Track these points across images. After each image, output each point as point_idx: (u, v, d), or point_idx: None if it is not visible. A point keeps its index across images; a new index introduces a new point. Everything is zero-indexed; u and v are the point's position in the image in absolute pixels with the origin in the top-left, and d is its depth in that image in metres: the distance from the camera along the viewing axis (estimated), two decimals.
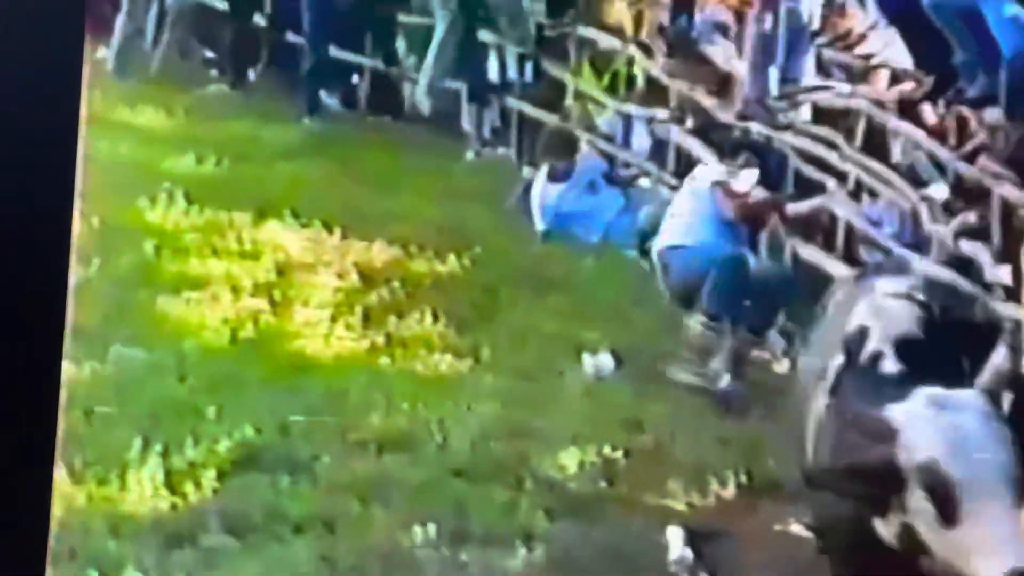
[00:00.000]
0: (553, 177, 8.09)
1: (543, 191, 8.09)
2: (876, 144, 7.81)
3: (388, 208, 8.08)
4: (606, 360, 7.48)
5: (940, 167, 7.49)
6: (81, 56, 5.56)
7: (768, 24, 8.00)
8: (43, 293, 5.86)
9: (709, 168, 7.74)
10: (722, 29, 8.27)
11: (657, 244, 7.65)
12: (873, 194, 7.56)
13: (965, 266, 7.16)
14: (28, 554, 5.90)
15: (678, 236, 7.57)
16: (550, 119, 8.42)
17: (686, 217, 7.57)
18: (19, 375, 5.73)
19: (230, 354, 7.17)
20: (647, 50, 8.47)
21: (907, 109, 7.78)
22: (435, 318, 7.44)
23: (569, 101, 8.52)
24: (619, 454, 6.94)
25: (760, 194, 7.61)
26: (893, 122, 7.67)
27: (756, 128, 7.83)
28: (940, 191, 7.42)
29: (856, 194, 7.72)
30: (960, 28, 7.63)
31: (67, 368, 6.41)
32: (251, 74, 9.03)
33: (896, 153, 7.67)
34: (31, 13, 5.34)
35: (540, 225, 8.03)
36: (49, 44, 5.35)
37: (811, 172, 7.78)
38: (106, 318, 7.00)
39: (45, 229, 5.76)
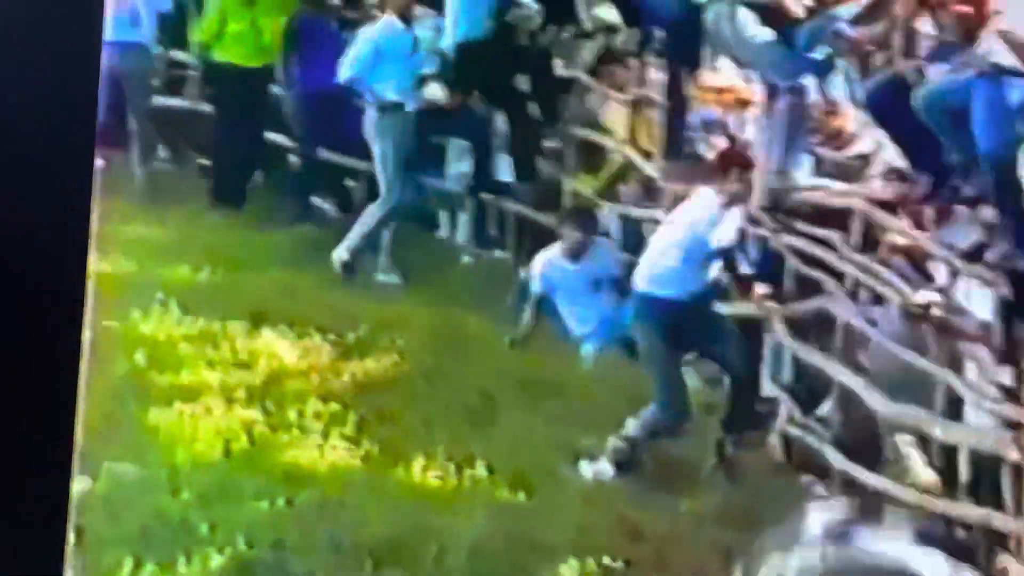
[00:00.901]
0: (567, 253, 7.87)
1: (551, 260, 7.87)
2: (873, 243, 7.63)
3: (383, 314, 7.90)
4: (605, 467, 7.25)
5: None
6: (91, 170, 5.35)
7: (776, 117, 7.85)
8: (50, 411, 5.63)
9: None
10: (718, 126, 8.10)
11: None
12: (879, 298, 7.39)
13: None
14: None
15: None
16: (547, 220, 8.29)
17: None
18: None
19: (223, 466, 6.93)
20: (644, 151, 8.34)
21: (903, 208, 7.60)
22: (428, 425, 7.21)
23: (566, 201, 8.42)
24: (619, 564, 6.66)
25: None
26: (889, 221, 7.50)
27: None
28: (929, 296, 7.24)
29: (855, 294, 7.55)
30: (950, 128, 7.44)
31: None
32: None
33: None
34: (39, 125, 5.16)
35: (536, 288, 7.84)
36: (58, 151, 5.18)
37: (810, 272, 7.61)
38: (97, 433, 6.75)
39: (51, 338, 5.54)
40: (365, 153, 8.54)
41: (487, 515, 6.80)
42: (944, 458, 6.96)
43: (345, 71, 8.41)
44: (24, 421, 5.02)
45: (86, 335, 5.21)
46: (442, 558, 6.61)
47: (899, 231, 7.46)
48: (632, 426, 7.23)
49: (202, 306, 7.61)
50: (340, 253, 8.25)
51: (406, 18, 8.46)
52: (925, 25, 7.64)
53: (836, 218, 7.70)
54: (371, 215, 8.31)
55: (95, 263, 7.95)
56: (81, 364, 5.15)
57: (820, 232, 7.66)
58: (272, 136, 8.89)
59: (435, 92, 8.57)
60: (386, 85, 8.41)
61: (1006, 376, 6.79)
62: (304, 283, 8.07)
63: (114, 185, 8.47)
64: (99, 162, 8.93)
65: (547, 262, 7.88)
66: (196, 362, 7.37)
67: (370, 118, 8.40)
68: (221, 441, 7.00)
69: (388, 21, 8.48)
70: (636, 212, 8.18)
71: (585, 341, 7.87)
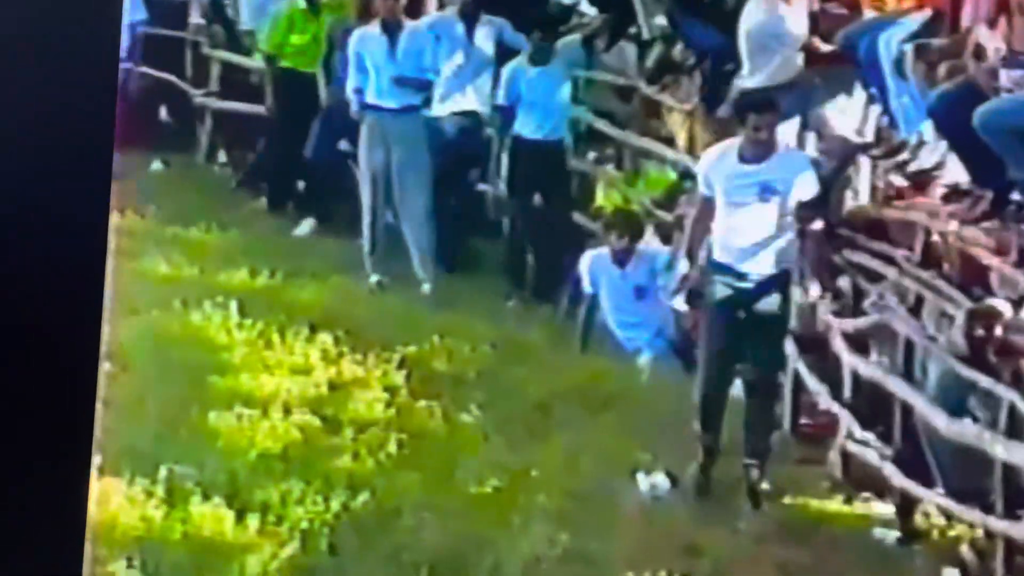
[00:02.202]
0: (614, 256, 7.67)
1: (597, 260, 7.70)
2: (934, 259, 7.33)
3: (441, 323, 7.69)
4: (661, 480, 6.93)
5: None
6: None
7: None
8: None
9: None
10: None
11: None
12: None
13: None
14: None
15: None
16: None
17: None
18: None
19: (280, 470, 6.72)
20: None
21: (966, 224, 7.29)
22: (486, 437, 6.97)
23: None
24: None
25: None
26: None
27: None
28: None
29: (915, 309, 7.23)
30: (1012, 146, 7.11)
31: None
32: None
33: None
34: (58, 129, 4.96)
35: (587, 287, 7.68)
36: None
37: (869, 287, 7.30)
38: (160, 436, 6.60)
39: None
40: None
41: (543, 527, 6.52)
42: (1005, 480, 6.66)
43: (348, 83, 8.31)
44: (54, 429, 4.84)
45: (103, 339, 5.02)
46: (497, 570, 6.34)
47: (973, 243, 7.15)
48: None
49: (261, 310, 7.46)
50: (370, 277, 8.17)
51: (390, 23, 8.26)
52: (993, 40, 7.33)
53: (898, 232, 7.44)
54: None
55: (153, 264, 7.85)
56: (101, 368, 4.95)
57: (880, 246, 7.39)
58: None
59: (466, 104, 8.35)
60: (373, 91, 8.26)
61: None
62: (360, 290, 7.92)
63: (175, 186, 8.37)
64: (158, 164, 8.85)
65: (594, 261, 7.72)
66: (255, 366, 7.20)
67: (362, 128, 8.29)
68: (279, 446, 6.83)
69: (362, 30, 8.33)
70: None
71: (636, 351, 7.64)
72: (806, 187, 6.90)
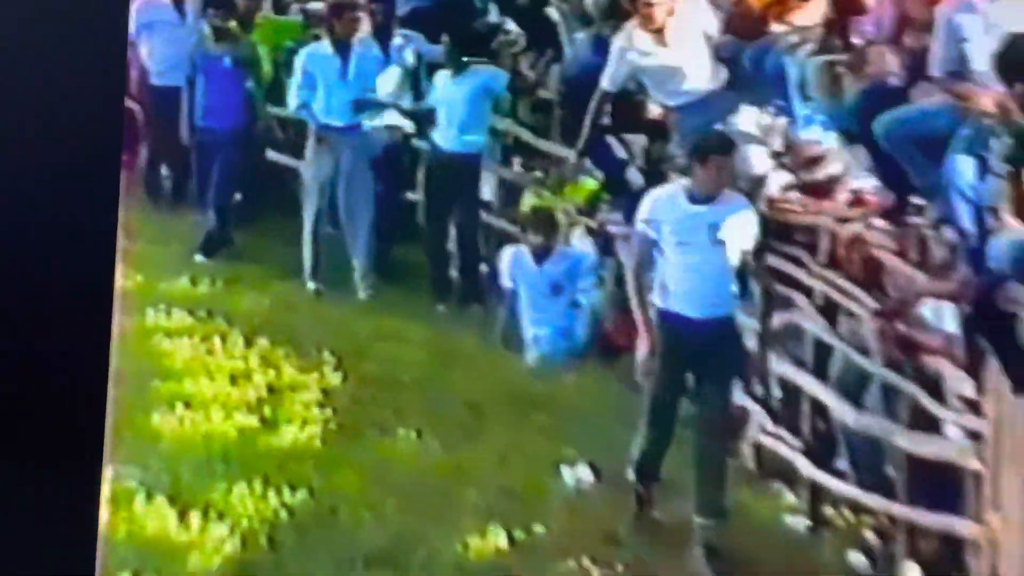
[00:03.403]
0: (533, 253, 7.78)
1: (517, 255, 7.78)
2: (838, 260, 7.46)
3: (376, 328, 7.80)
4: (585, 473, 7.05)
5: None
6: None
7: None
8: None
9: None
10: None
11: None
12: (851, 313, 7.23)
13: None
14: None
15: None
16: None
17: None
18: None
19: (221, 471, 6.82)
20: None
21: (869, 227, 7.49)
22: (420, 435, 7.07)
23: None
24: (597, 570, 6.56)
25: None
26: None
27: None
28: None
29: (824, 309, 7.37)
30: (911, 154, 7.25)
31: None
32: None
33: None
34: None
35: (506, 283, 7.76)
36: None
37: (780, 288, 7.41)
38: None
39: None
40: None
41: (474, 521, 6.67)
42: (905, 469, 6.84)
43: (291, 100, 8.38)
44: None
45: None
46: (429, 564, 6.50)
47: (875, 244, 7.28)
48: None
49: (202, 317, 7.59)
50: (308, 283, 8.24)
51: (343, 41, 8.31)
52: (894, 55, 7.52)
53: (805, 236, 7.53)
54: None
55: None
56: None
57: (788, 249, 7.47)
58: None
59: (394, 119, 8.43)
60: (321, 109, 8.32)
61: (968, 389, 6.64)
62: (299, 298, 8.01)
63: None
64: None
65: (513, 257, 7.80)
66: (197, 371, 7.33)
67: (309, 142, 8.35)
68: (220, 446, 6.95)
69: (314, 46, 8.39)
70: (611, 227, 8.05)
71: (532, 344, 7.75)
72: (749, 228, 6.82)
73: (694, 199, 6.76)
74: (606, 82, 7.86)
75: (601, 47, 8.02)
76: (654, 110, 8.03)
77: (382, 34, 8.43)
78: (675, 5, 7.80)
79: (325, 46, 8.36)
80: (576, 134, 8.04)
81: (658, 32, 7.84)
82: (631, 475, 6.79)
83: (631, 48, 7.85)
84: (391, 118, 8.39)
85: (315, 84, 8.29)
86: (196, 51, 8.50)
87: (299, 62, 8.36)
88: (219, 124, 8.42)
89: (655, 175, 7.81)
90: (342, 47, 8.33)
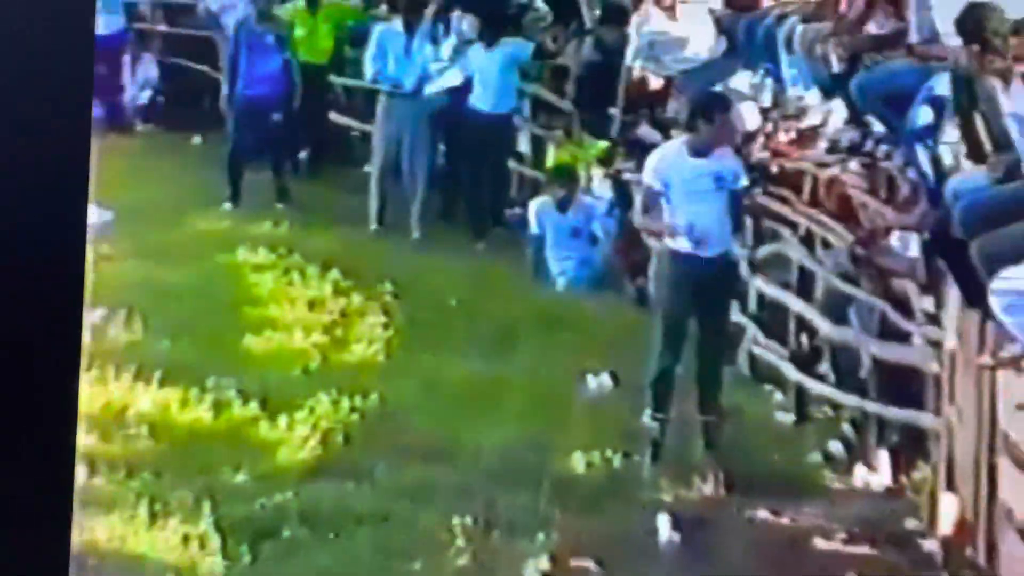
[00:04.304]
0: (556, 203, 8.52)
1: (543, 206, 8.51)
2: (818, 198, 8.02)
3: (427, 262, 8.49)
4: (606, 380, 7.67)
5: None
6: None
7: None
8: None
9: None
10: None
11: None
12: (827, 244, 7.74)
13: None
14: None
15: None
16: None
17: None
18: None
19: (303, 381, 7.49)
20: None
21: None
22: (465, 351, 7.66)
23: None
24: (618, 457, 7.14)
25: None
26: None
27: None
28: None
29: (806, 239, 7.93)
30: (877, 108, 7.70)
31: None
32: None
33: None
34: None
35: (534, 229, 8.46)
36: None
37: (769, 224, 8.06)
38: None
39: None
40: None
41: (514, 421, 7.20)
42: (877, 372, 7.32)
43: (366, 69, 9.10)
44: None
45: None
46: (478, 455, 7.01)
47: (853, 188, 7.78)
48: None
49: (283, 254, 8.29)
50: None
51: (411, 20, 9.09)
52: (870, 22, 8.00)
53: (790, 179, 8.12)
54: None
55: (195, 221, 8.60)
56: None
57: (776, 190, 8.09)
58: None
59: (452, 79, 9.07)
60: (390, 77, 9.04)
61: (929, 304, 7.10)
62: (362, 237, 8.71)
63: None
64: (198, 139, 9.64)
65: (539, 207, 8.58)
66: (280, 298, 8.01)
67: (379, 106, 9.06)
68: (301, 362, 7.58)
69: (387, 24, 9.19)
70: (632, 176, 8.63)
71: (559, 276, 8.53)
72: (741, 174, 7.24)
73: (696, 152, 7.15)
74: (630, 58, 8.58)
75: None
76: (655, 82, 8.76)
77: (441, 14, 9.23)
78: None
79: (396, 24, 9.18)
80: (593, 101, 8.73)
81: (670, 9, 8.56)
82: (649, 385, 7.16)
83: (647, 24, 8.58)
84: (451, 78, 9.13)
85: (386, 56, 9.06)
86: (241, 29, 9.12)
87: (373, 37, 9.16)
88: (263, 92, 9.03)
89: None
90: (410, 25, 9.13)
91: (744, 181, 7.31)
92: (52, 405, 4.19)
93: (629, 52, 8.61)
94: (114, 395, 7.20)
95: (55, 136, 4.10)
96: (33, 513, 4.22)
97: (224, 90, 9.15)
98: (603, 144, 8.92)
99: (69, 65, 4.12)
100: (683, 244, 7.12)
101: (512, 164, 9.36)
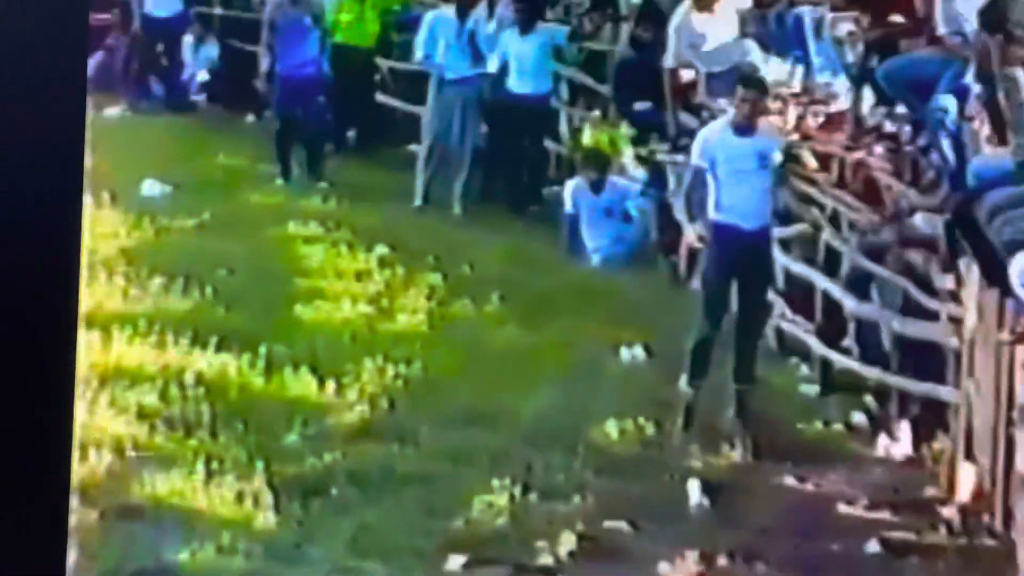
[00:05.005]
0: (590, 185, 8.73)
1: (578, 187, 8.72)
2: (846, 180, 8.19)
3: (468, 236, 8.71)
4: (639, 352, 7.85)
5: None
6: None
7: None
8: None
9: None
10: None
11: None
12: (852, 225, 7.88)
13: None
14: None
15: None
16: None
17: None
18: None
19: (350, 349, 7.66)
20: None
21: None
22: (503, 322, 7.87)
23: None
24: (650, 425, 7.30)
25: None
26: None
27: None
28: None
29: (833, 219, 8.05)
30: (903, 93, 7.88)
31: None
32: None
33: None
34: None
35: (569, 209, 8.68)
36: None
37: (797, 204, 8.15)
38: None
39: None
40: None
41: (550, 388, 7.39)
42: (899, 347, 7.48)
43: (416, 53, 9.27)
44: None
45: None
46: (516, 419, 7.19)
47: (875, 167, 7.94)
48: None
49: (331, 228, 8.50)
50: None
51: (463, 8, 9.29)
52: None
53: (818, 160, 8.26)
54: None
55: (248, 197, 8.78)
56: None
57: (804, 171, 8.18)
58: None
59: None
60: (443, 64, 9.26)
61: (949, 282, 7.20)
62: (406, 213, 8.88)
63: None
64: (251, 118, 9.85)
65: (574, 188, 8.81)
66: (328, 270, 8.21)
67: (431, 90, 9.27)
68: (349, 330, 7.77)
69: (439, 10, 9.39)
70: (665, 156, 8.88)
71: (594, 253, 8.73)
72: (780, 152, 7.40)
73: (740, 131, 7.32)
74: (670, 60, 8.74)
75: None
76: (686, 75, 8.91)
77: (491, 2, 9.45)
78: None
79: (449, 11, 9.41)
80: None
81: (709, 11, 8.71)
82: (689, 352, 7.25)
83: (684, 27, 8.72)
84: (489, 64, 9.35)
85: (437, 42, 9.29)
86: (276, 13, 9.29)
87: (425, 23, 9.39)
88: (303, 73, 9.22)
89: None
90: (462, 12, 9.37)
91: (780, 161, 7.46)
92: (46, 370, 4.08)
93: (667, 57, 8.75)
94: (173, 358, 7.40)
95: (48, 128, 3.99)
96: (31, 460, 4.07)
97: (263, 69, 9.31)
98: (634, 130, 9.11)
99: (63, 54, 4.01)
100: (725, 217, 7.27)
101: (550, 144, 9.55)
